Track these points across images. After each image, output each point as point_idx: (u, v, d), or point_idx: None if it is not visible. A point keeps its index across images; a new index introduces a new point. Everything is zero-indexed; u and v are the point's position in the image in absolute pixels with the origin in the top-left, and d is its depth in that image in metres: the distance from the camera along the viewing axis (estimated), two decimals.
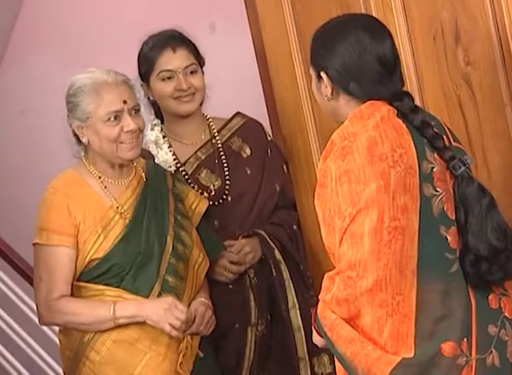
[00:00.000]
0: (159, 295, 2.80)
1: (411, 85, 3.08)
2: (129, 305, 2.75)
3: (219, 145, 3.17)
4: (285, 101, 3.36)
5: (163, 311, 2.71)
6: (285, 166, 3.27)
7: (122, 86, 2.80)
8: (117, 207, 2.83)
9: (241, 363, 3.07)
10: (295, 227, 3.24)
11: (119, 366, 2.80)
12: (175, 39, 3.11)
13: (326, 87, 2.38)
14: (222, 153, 3.17)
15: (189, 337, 2.81)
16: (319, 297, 2.31)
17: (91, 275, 2.80)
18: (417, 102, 3.01)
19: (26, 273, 4.29)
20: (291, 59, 3.30)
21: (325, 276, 2.29)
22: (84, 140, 2.82)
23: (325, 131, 3.25)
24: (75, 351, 2.81)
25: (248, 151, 3.23)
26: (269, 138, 3.27)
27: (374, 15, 3.08)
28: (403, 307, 2.16)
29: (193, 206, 3.00)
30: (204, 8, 3.81)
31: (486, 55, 2.88)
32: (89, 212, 2.81)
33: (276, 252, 3.14)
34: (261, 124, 3.27)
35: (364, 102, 2.33)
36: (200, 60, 3.14)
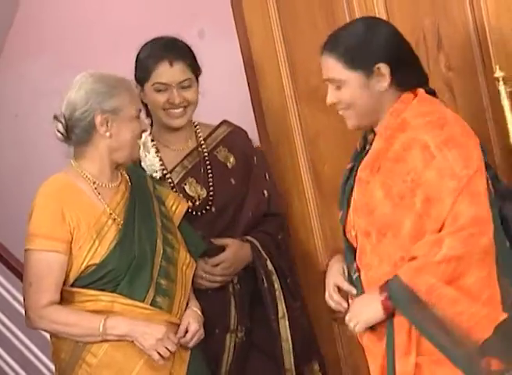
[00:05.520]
0: (154, 299, 2.78)
1: None
2: (120, 324, 2.74)
3: (205, 154, 3.17)
4: (272, 107, 3.42)
5: (155, 340, 2.71)
6: (267, 174, 3.27)
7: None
8: (110, 213, 2.81)
9: (219, 369, 3.05)
10: (280, 236, 3.24)
11: (116, 368, 2.78)
12: (173, 50, 3.10)
13: (379, 80, 2.45)
14: (207, 163, 3.17)
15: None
16: (403, 266, 2.36)
17: (87, 281, 2.78)
18: None
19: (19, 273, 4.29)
20: (278, 66, 3.38)
21: (424, 241, 2.34)
22: (107, 133, 2.75)
23: (310, 137, 3.34)
24: (71, 353, 2.79)
25: (233, 160, 3.22)
26: (254, 146, 3.28)
27: None
28: (495, 269, 2.32)
29: (174, 208, 2.99)
30: (194, 16, 3.82)
31: (467, 60, 2.95)
32: (83, 217, 2.78)
33: (268, 263, 3.14)
34: (245, 132, 3.28)
35: (405, 91, 2.46)
36: (196, 72, 3.13)
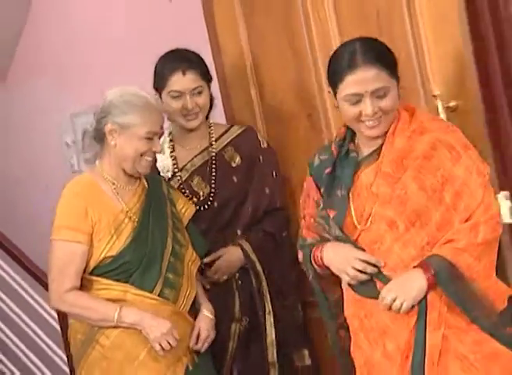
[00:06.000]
0: (161, 290, 2.91)
1: None
2: (133, 314, 2.86)
3: (213, 154, 3.31)
4: (243, 119, 3.56)
5: (160, 333, 2.84)
6: (274, 172, 3.37)
7: (161, 114, 3.01)
8: (127, 211, 2.94)
9: (225, 355, 3.20)
10: (284, 234, 3.34)
11: (126, 350, 2.91)
12: (185, 61, 3.25)
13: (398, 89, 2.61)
14: (214, 161, 3.30)
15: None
16: (443, 247, 2.48)
17: (103, 270, 2.90)
18: None
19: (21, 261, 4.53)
20: (247, 81, 3.54)
21: (463, 227, 2.48)
22: (113, 142, 2.92)
23: (278, 148, 3.45)
24: (87, 335, 2.93)
25: (238, 160, 3.34)
26: (263, 146, 3.38)
27: (315, 43, 3.38)
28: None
29: (183, 210, 3.12)
30: (172, 36, 3.90)
31: (410, 80, 3.04)
32: (103, 213, 2.91)
33: (257, 265, 3.25)
34: (255, 133, 3.40)
35: None
36: (207, 79, 3.28)
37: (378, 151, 2.64)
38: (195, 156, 3.31)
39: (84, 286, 2.93)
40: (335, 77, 2.61)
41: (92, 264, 2.91)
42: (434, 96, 2.97)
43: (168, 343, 2.86)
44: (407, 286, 2.48)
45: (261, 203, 3.33)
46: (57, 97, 4.64)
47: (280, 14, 3.48)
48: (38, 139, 4.85)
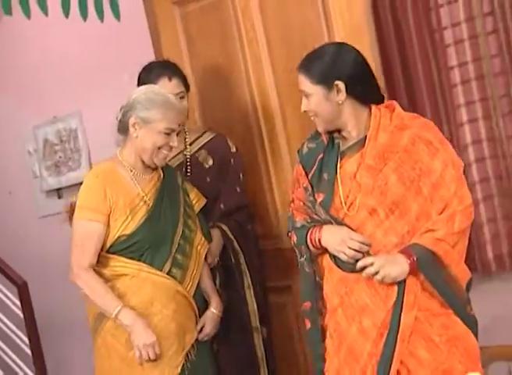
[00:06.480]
0: (170, 269, 3.09)
1: (276, 117, 3.66)
2: (129, 316, 3.01)
3: (188, 156, 3.51)
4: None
5: (143, 343, 3.00)
6: (241, 173, 3.59)
7: (180, 113, 3.16)
8: (143, 196, 3.12)
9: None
10: (249, 227, 3.57)
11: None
12: (171, 69, 3.45)
13: (337, 95, 2.72)
14: (188, 163, 3.50)
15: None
16: (429, 237, 2.63)
17: (118, 248, 3.07)
18: (280, 128, 3.66)
19: None
20: (192, 105, 3.69)
21: (441, 218, 2.65)
22: (135, 134, 3.10)
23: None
24: (95, 320, 3.12)
25: (211, 162, 3.53)
26: (232, 150, 3.59)
27: (249, 64, 3.68)
28: None
29: (194, 201, 3.33)
30: (124, 62, 4.18)
31: None
32: (121, 196, 3.08)
33: (235, 244, 3.47)
34: (226, 138, 3.60)
35: (362, 104, 2.75)
36: (187, 87, 3.48)
37: (361, 143, 2.79)
38: (172, 158, 3.45)
39: (101, 263, 3.10)
40: None
41: (109, 242, 3.09)
42: None
43: (148, 356, 3.03)
44: (390, 265, 2.64)
45: (233, 200, 3.54)
46: (19, 110, 4.93)
47: (218, 40, 3.77)
48: (2, 148, 5.11)
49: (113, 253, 3.10)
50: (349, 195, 2.73)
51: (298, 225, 2.84)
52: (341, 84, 2.73)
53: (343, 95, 2.74)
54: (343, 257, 2.70)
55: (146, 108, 3.09)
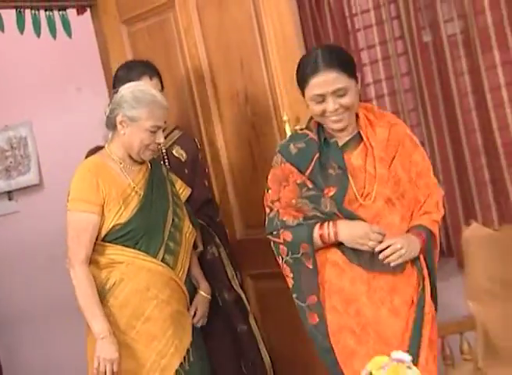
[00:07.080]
0: (163, 256, 3.12)
1: (216, 127, 3.82)
2: (102, 327, 3.01)
3: (164, 151, 3.60)
4: None
5: (103, 357, 3.01)
6: (206, 169, 3.75)
7: (166, 110, 3.16)
8: (133, 187, 3.14)
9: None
10: (218, 219, 3.70)
11: (133, 308, 3.10)
12: (151, 69, 3.51)
13: (358, 86, 2.82)
14: (165, 157, 3.58)
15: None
16: (430, 220, 2.83)
17: (114, 236, 3.08)
18: (220, 137, 3.79)
19: None
20: None
21: (433, 203, 2.83)
22: (122, 131, 3.10)
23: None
24: (99, 292, 3.11)
25: (185, 156, 3.64)
26: (199, 146, 3.73)
27: (192, 79, 3.84)
28: None
29: (180, 191, 3.37)
30: (73, 77, 4.31)
31: (265, 109, 3.54)
32: (113, 187, 3.08)
33: (216, 239, 3.62)
34: (192, 136, 3.74)
35: None
36: (162, 88, 3.53)
37: (356, 139, 2.86)
38: None
39: (98, 251, 3.09)
40: (301, 82, 2.83)
41: (103, 232, 3.10)
42: (283, 121, 3.45)
43: (106, 370, 3.05)
44: (409, 245, 2.76)
45: (203, 194, 3.66)
46: None
47: (163, 56, 3.88)
48: None
49: (109, 242, 3.12)
50: (365, 186, 2.78)
51: (292, 223, 2.83)
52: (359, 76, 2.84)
53: (359, 86, 2.84)
54: (366, 248, 2.75)
55: (133, 106, 3.10)
